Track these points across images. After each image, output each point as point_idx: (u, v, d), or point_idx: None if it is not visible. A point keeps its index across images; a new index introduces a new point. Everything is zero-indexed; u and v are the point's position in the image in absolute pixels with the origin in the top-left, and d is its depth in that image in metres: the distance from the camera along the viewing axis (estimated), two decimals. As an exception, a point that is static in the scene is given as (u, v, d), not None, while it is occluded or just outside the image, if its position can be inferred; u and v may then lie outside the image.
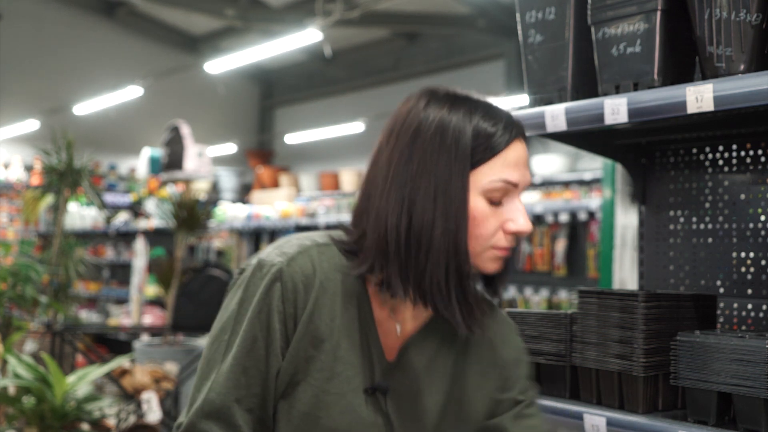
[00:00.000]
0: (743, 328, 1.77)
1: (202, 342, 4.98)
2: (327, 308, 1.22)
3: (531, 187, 7.16)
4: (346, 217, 5.66)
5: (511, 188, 1.22)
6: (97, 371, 3.28)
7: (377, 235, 1.21)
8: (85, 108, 10.94)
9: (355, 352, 1.24)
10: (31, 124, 11.17)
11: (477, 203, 1.21)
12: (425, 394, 1.29)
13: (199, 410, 1.18)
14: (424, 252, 1.19)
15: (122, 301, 7.79)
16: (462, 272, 1.20)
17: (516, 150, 1.23)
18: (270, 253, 1.24)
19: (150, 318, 6.27)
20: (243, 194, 11.34)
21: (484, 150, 1.20)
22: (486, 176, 1.20)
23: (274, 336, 1.19)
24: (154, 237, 7.32)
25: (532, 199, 4.88)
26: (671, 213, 1.93)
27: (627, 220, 2.05)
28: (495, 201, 1.22)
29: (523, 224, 1.22)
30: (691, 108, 1.35)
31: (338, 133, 10.76)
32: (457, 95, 1.26)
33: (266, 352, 1.19)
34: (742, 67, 1.34)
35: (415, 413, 1.28)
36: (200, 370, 1.22)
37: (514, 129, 1.23)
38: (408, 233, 1.19)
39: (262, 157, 12.99)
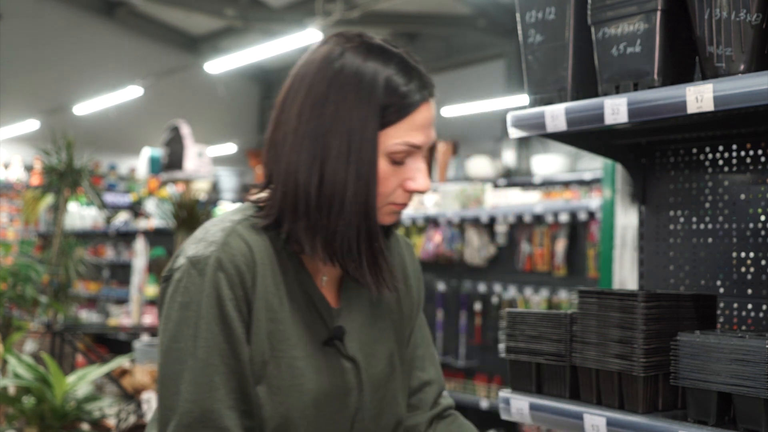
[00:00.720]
0: (743, 328, 1.77)
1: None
2: (270, 279, 1.21)
3: (531, 187, 7.18)
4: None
5: (414, 150, 1.22)
6: (97, 371, 3.28)
7: (285, 190, 1.20)
8: (85, 108, 10.95)
9: (305, 311, 1.24)
10: (31, 124, 11.17)
11: (381, 163, 1.21)
12: (376, 326, 1.32)
13: (179, 425, 1.14)
14: (335, 213, 1.18)
15: (122, 301, 7.78)
16: (372, 233, 1.21)
17: (423, 112, 1.22)
18: (196, 248, 1.21)
19: (150, 318, 6.27)
20: (243, 194, 11.34)
21: (394, 112, 1.20)
22: (392, 138, 1.20)
23: (234, 325, 1.17)
24: (154, 237, 7.31)
25: (532, 199, 4.88)
26: (671, 213, 1.93)
27: (627, 220, 2.05)
28: (398, 161, 1.22)
29: (422, 183, 1.24)
30: (691, 108, 1.35)
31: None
32: (372, 44, 1.23)
33: (230, 344, 1.17)
34: (742, 67, 1.34)
35: (373, 347, 1.30)
36: (162, 387, 1.18)
37: (424, 90, 1.23)
38: (319, 192, 1.18)
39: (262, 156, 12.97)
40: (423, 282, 1.47)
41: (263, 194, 1.27)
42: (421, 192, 1.25)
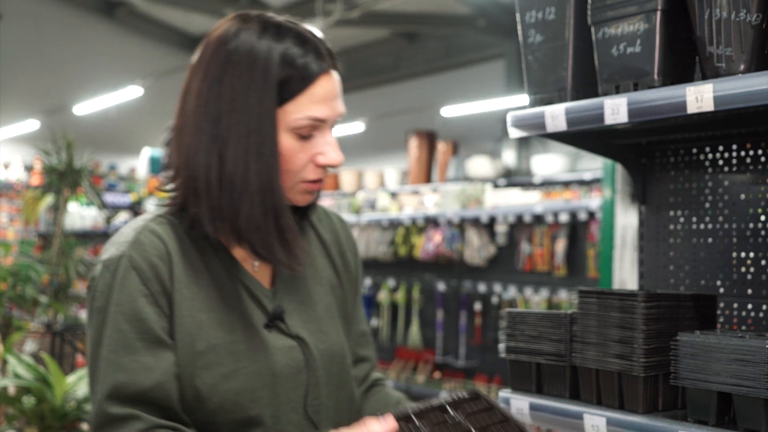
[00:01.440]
0: (743, 328, 1.77)
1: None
2: (190, 269, 1.20)
3: (531, 187, 7.16)
4: (346, 218, 5.65)
5: (320, 124, 1.21)
6: (97, 371, 3.27)
7: (187, 173, 1.20)
8: (85, 108, 10.94)
9: (238, 297, 1.23)
10: (31, 124, 11.17)
11: (285, 140, 1.20)
12: (321, 303, 1.32)
13: (94, 428, 1.14)
14: (238, 192, 1.18)
15: (122, 301, 7.76)
16: (278, 210, 1.20)
17: (324, 85, 1.20)
18: (110, 251, 1.20)
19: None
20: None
21: (291, 86, 1.18)
22: (293, 114, 1.19)
23: (148, 321, 1.15)
24: (154, 237, 7.29)
25: (532, 199, 4.88)
26: (671, 213, 1.93)
27: (627, 220, 2.05)
28: (304, 136, 1.20)
29: (332, 157, 1.22)
30: (691, 108, 1.35)
31: (338, 133, 10.75)
32: (268, 22, 1.22)
33: (145, 342, 1.15)
34: (742, 67, 1.34)
35: (320, 323, 1.30)
36: (90, 391, 1.19)
37: (322, 62, 1.21)
38: (220, 174, 1.18)
39: (262, 157, 12.99)
40: (360, 258, 1.47)
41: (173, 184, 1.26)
42: (333, 166, 1.23)
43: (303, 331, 1.27)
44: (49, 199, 6.05)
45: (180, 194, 1.22)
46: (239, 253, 1.26)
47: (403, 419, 1.14)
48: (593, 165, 7.34)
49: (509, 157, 9.36)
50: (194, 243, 1.23)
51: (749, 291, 1.77)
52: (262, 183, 1.18)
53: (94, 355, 1.17)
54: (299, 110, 1.19)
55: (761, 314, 1.74)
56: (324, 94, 1.21)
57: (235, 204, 1.19)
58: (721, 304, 1.80)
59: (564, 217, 4.15)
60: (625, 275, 2.05)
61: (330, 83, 1.22)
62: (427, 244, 4.83)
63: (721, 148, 1.85)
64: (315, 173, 1.24)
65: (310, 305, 1.31)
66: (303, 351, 1.25)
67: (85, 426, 3.24)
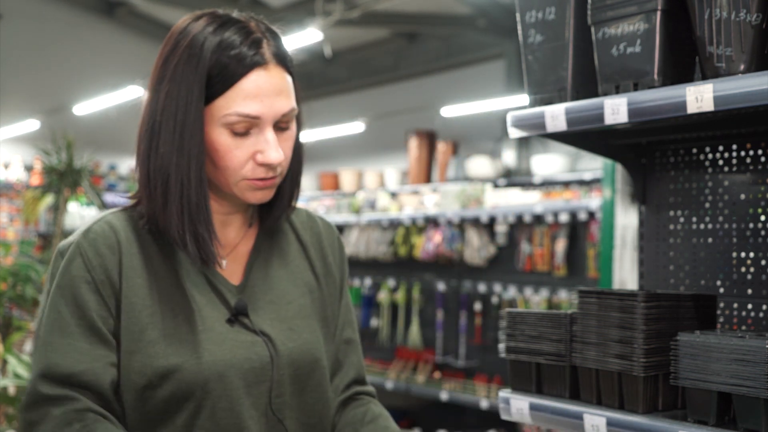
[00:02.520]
0: (743, 328, 1.77)
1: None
2: (147, 260, 1.21)
3: (531, 187, 7.14)
4: (346, 218, 5.65)
5: (253, 120, 1.18)
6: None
7: (139, 171, 1.24)
8: (85, 108, 10.94)
9: (199, 289, 1.23)
10: (31, 124, 11.17)
11: (219, 136, 1.18)
12: (295, 303, 1.31)
13: (22, 406, 1.16)
14: (161, 184, 1.19)
15: (122, 301, 7.76)
16: (193, 204, 1.19)
17: (256, 80, 1.17)
18: (67, 239, 1.23)
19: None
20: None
21: (222, 79, 1.16)
22: (223, 108, 1.17)
23: (87, 308, 1.16)
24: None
25: (532, 199, 4.87)
26: (671, 213, 1.93)
27: (627, 220, 2.05)
28: (239, 132, 1.18)
29: (270, 156, 1.19)
30: (691, 108, 1.35)
31: (338, 133, 10.76)
32: (218, 15, 1.21)
33: (81, 329, 1.16)
34: (742, 67, 1.34)
35: (291, 322, 1.29)
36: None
37: (257, 56, 1.17)
38: (148, 165, 1.20)
39: (262, 157, 12.98)
40: (346, 262, 1.44)
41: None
42: (271, 165, 1.20)
43: (269, 328, 1.25)
44: (49, 199, 6.05)
45: (139, 190, 1.25)
46: None
47: None
48: (593, 165, 7.33)
49: (509, 157, 9.35)
50: (155, 237, 1.24)
51: (749, 291, 1.77)
52: (181, 177, 1.18)
53: (35, 336, 1.19)
54: (228, 105, 1.17)
55: (761, 314, 1.74)
56: (255, 90, 1.17)
57: (160, 196, 1.20)
58: (721, 304, 1.80)
59: (564, 217, 4.15)
60: (625, 275, 2.05)
61: (265, 78, 1.18)
62: (427, 244, 4.83)
63: (721, 148, 1.85)
64: (257, 172, 1.20)
65: (281, 304, 1.29)
66: (267, 347, 1.23)
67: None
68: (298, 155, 1.30)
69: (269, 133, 1.20)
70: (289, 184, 1.31)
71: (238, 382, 1.20)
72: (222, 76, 1.16)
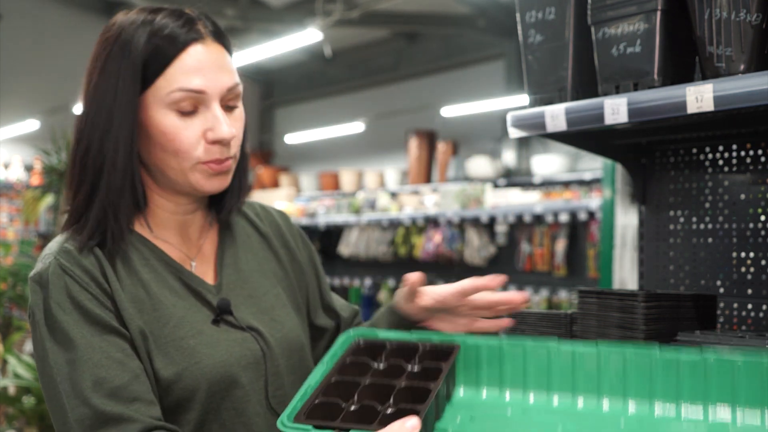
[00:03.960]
0: (743, 328, 1.77)
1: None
2: (128, 269, 1.17)
3: (531, 187, 7.15)
4: (346, 218, 5.65)
5: (198, 96, 1.14)
6: (97, 371, 3.27)
7: (68, 181, 1.20)
8: (85, 108, 10.92)
9: (181, 294, 1.20)
10: (31, 124, 11.17)
11: (164, 117, 1.14)
12: (270, 293, 1.30)
13: None
14: (91, 171, 1.16)
15: (122, 301, 7.76)
16: (115, 190, 1.15)
17: (195, 54, 1.14)
18: (36, 269, 1.16)
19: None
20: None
21: (159, 59, 1.13)
22: (164, 88, 1.13)
23: (100, 317, 1.11)
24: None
25: (532, 199, 4.87)
26: (671, 213, 1.93)
27: (627, 220, 2.05)
28: (187, 111, 1.14)
29: (221, 131, 1.15)
30: (691, 108, 1.35)
31: (338, 133, 10.77)
32: (146, 8, 1.18)
33: (102, 338, 1.10)
34: (742, 67, 1.34)
35: (272, 313, 1.28)
36: (51, 412, 1.11)
37: (192, 32, 1.14)
38: (76, 152, 1.17)
39: (262, 157, 13.00)
40: (310, 244, 1.44)
41: None
42: (223, 140, 1.16)
43: (255, 321, 1.25)
44: (49, 199, 6.05)
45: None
46: (174, 252, 1.25)
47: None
48: (593, 165, 7.33)
49: (509, 157, 9.36)
50: (134, 246, 1.20)
51: (749, 291, 1.77)
52: (108, 164, 1.15)
53: (44, 374, 1.11)
54: (169, 83, 1.13)
55: (761, 314, 1.74)
56: (196, 63, 1.13)
57: (86, 186, 1.18)
58: (721, 304, 1.80)
59: (564, 217, 4.15)
60: (625, 275, 2.05)
61: (204, 53, 1.14)
62: (427, 244, 4.83)
63: (721, 148, 1.85)
64: (211, 153, 1.17)
65: (258, 297, 1.29)
66: (258, 341, 1.23)
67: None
68: (243, 145, 1.28)
69: (217, 109, 1.16)
70: (237, 175, 1.28)
71: (240, 380, 1.19)
72: (157, 56, 1.13)
